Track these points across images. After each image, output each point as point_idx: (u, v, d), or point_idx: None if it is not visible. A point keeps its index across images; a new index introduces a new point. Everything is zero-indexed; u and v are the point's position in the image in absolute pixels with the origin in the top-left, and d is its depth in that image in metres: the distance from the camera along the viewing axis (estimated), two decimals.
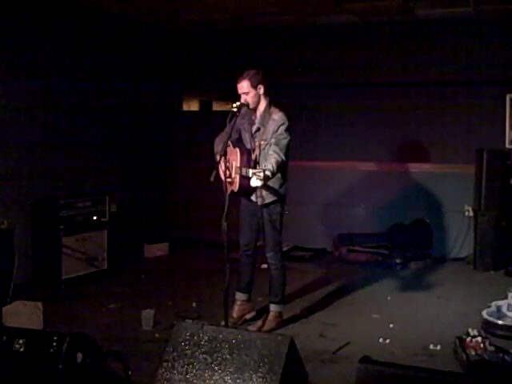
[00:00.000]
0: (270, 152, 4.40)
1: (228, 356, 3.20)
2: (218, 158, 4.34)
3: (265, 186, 4.37)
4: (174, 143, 8.10)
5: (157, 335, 4.52)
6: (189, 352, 3.27)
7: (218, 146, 4.56)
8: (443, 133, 7.03)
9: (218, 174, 4.18)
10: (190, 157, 7.79)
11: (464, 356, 3.91)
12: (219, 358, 3.21)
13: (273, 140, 4.44)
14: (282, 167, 4.40)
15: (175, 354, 3.28)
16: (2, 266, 4.89)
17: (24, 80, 5.83)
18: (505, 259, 6.50)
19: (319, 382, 3.72)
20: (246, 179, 4.35)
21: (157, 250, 7.27)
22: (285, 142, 4.44)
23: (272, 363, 3.10)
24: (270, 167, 4.23)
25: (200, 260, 7.01)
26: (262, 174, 4.04)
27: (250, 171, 4.15)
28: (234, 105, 4.40)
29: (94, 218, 6.12)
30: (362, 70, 7.26)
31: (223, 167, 4.26)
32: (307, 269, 6.68)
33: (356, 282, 6.10)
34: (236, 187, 4.45)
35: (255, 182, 4.08)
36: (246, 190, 4.46)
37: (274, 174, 4.27)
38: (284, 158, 4.39)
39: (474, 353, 3.91)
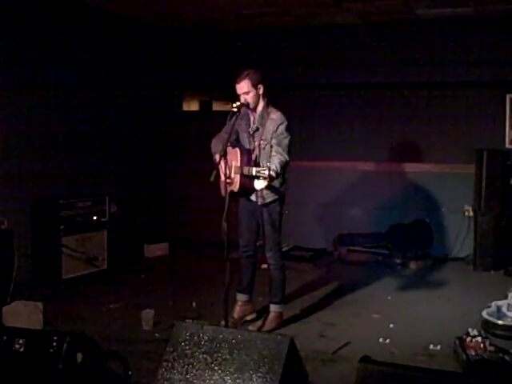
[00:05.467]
0: (273, 153, 4.39)
1: (228, 356, 3.20)
2: (216, 157, 4.33)
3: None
4: (174, 143, 8.10)
5: (157, 335, 4.52)
6: (189, 352, 3.27)
7: (215, 146, 4.55)
8: (443, 133, 7.03)
9: (217, 174, 4.18)
10: (189, 157, 7.79)
11: (464, 356, 3.91)
12: (219, 358, 3.21)
13: (274, 141, 4.43)
14: (286, 167, 4.40)
15: (175, 354, 3.28)
16: (2, 265, 4.88)
17: (24, 80, 5.82)
18: (505, 259, 6.50)
19: (319, 382, 3.72)
20: (247, 178, 4.34)
21: (157, 250, 7.27)
22: (286, 141, 4.44)
23: (272, 363, 3.10)
24: (274, 167, 4.22)
25: (200, 260, 7.01)
26: (266, 172, 4.02)
27: (254, 169, 4.14)
28: (234, 105, 4.39)
29: (94, 218, 6.12)
30: (361, 70, 7.26)
31: (223, 167, 4.25)
32: (307, 269, 6.68)
33: (356, 282, 6.10)
34: (236, 187, 4.42)
35: (259, 185, 4.06)
36: (247, 189, 4.45)
37: (278, 175, 4.26)
38: (288, 157, 4.39)
39: (473, 353, 3.91)
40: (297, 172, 4.52)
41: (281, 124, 4.45)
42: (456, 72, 6.93)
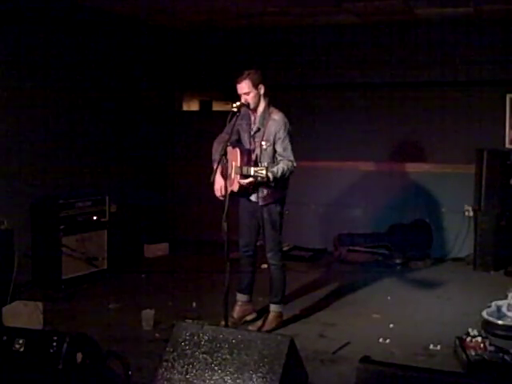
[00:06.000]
0: (279, 158, 4.44)
1: (228, 356, 3.20)
2: (215, 165, 4.34)
3: (259, 184, 4.37)
4: (173, 143, 8.10)
5: (157, 335, 4.52)
6: (189, 352, 3.27)
7: (216, 152, 4.53)
8: (443, 133, 7.03)
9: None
10: (189, 157, 7.79)
11: (464, 356, 3.91)
12: (219, 358, 3.21)
13: (279, 147, 4.45)
14: (292, 172, 4.44)
15: (175, 354, 3.28)
16: (2, 265, 4.89)
17: (24, 80, 5.82)
18: (505, 259, 6.50)
19: (319, 382, 3.72)
20: (246, 178, 4.35)
21: (157, 250, 7.27)
22: (290, 146, 4.48)
23: (272, 363, 3.10)
24: (275, 170, 4.26)
25: (200, 260, 7.00)
26: (264, 172, 4.04)
27: (252, 169, 4.15)
28: (234, 105, 4.39)
29: (94, 218, 6.11)
30: (362, 70, 7.26)
31: (222, 169, 4.26)
32: (307, 269, 6.68)
33: (356, 282, 6.10)
34: (236, 187, 4.44)
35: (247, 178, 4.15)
36: (246, 189, 4.46)
37: (275, 179, 4.30)
38: (295, 163, 4.44)
39: (473, 353, 3.91)
40: (297, 172, 4.52)
41: (283, 125, 4.47)
42: (456, 72, 6.92)
